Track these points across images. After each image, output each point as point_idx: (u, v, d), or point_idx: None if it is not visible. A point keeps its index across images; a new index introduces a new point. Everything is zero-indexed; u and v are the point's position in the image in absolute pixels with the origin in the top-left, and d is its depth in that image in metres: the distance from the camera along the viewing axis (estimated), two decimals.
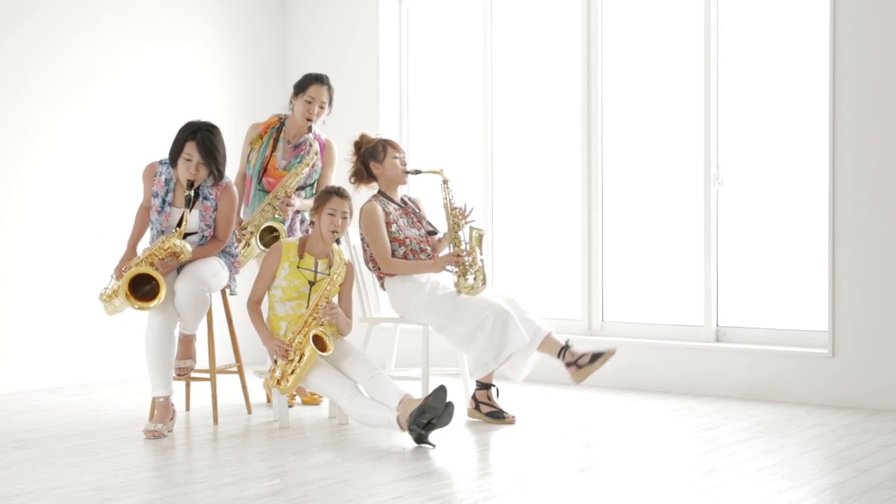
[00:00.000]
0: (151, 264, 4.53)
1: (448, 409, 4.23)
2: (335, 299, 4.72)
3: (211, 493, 3.56)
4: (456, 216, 4.90)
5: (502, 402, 4.99)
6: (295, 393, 5.32)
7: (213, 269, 4.66)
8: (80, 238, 6.01)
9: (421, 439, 4.24)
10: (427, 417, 4.19)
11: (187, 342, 4.87)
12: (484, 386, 4.85)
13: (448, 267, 4.86)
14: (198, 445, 4.40)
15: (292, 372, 4.48)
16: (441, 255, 4.95)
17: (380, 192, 5.02)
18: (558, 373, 5.88)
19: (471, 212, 4.95)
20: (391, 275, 4.93)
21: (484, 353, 4.73)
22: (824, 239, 5.29)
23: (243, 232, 5.07)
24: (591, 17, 6.07)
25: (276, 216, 5.07)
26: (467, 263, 4.82)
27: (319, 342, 4.49)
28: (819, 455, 4.11)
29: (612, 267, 6.09)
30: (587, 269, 6.09)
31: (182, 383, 5.22)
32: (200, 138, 4.57)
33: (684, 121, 5.86)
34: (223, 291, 4.97)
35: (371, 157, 5.00)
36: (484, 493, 3.55)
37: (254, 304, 4.67)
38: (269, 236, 5.05)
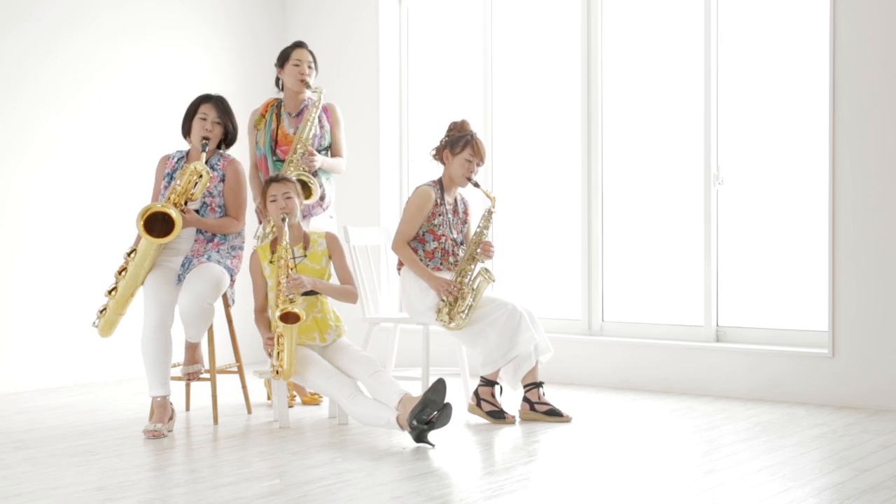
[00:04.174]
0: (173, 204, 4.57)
1: (447, 408, 4.23)
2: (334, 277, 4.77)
3: (211, 493, 3.56)
4: (481, 248, 4.86)
5: (503, 402, 4.99)
6: (295, 393, 5.32)
7: (214, 279, 4.61)
8: (79, 238, 6.01)
9: (420, 438, 4.23)
10: (428, 412, 4.19)
11: (193, 348, 4.93)
12: (488, 383, 4.84)
13: (442, 294, 4.81)
14: (198, 445, 4.39)
15: (278, 355, 4.51)
16: (445, 276, 4.90)
17: (440, 180, 5.00)
18: (557, 373, 5.88)
19: (490, 256, 4.88)
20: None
21: (494, 350, 4.74)
22: (824, 239, 5.28)
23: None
24: (591, 17, 6.07)
25: (303, 171, 5.00)
26: (458, 301, 4.78)
27: (288, 317, 4.48)
28: (819, 455, 4.11)
29: (612, 267, 6.09)
30: (587, 270, 6.09)
31: (182, 383, 5.22)
32: (216, 99, 4.80)
33: (684, 121, 5.86)
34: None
35: (450, 144, 4.95)
36: (484, 493, 3.54)
37: (259, 314, 4.71)
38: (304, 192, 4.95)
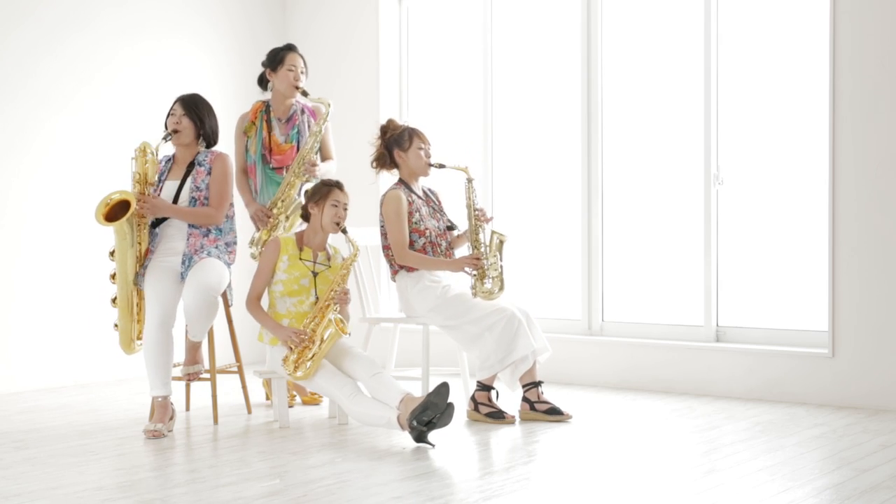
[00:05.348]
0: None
1: (449, 409, 4.23)
2: None
3: (211, 493, 3.56)
4: (477, 217, 4.89)
5: (501, 404, 4.99)
6: (295, 393, 5.32)
7: (218, 272, 4.64)
8: (79, 238, 6.01)
9: (421, 438, 4.23)
10: (429, 415, 4.19)
11: (194, 349, 4.93)
12: (484, 387, 4.84)
13: (466, 269, 4.86)
14: (198, 445, 4.40)
15: (312, 357, 4.49)
16: (459, 255, 4.95)
17: (400, 180, 5.01)
18: (557, 373, 5.89)
19: (490, 219, 4.94)
20: (405, 268, 4.91)
21: (491, 354, 4.74)
22: (824, 239, 5.28)
23: (271, 213, 5.06)
24: (591, 17, 6.07)
25: (305, 180, 5.04)
26: (486, 267, 4.81)
27: (339, 325, 4.52)
28: (819, 455, 4.11)
29: (612, 267, 6.09)
30: (587, 270, 6.09)
31: (182, 383, 5.22)
32: (185, 96, 4.88)
33: (684, 121, 5.86)
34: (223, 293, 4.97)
35: (396, 144, 4.98)
36: (484, 493, 3.55)
37: (254, 301, 4.69)
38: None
